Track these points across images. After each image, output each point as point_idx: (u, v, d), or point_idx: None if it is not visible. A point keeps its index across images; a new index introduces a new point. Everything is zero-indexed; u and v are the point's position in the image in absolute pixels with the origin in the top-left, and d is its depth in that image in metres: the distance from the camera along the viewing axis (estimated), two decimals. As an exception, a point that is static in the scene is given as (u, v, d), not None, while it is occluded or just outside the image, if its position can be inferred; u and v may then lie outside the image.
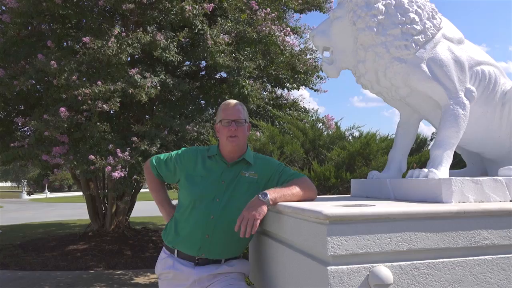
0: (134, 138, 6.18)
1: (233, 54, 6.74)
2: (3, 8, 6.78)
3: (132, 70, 6.15)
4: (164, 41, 6.35)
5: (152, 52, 6.59)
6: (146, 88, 6.11)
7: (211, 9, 6.70)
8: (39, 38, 7.10)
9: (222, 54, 6.46)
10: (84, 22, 7.27)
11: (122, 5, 6.14)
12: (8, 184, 51.03)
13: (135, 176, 6.31)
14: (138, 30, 6.39)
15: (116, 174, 5.88)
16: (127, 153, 5.96)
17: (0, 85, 6.29)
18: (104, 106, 5.93)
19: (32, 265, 7.48)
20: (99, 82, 5.89)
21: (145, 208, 14.21)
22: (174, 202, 2.34)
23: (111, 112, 7.07)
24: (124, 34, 6.26)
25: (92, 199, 9.48)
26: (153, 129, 6.59)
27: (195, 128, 6.45)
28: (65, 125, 6.03)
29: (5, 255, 8.15)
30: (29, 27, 7.17)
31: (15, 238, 10.37)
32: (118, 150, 5.93)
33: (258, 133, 4.44)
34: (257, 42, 6.91)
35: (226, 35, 6.57)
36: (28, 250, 8.72)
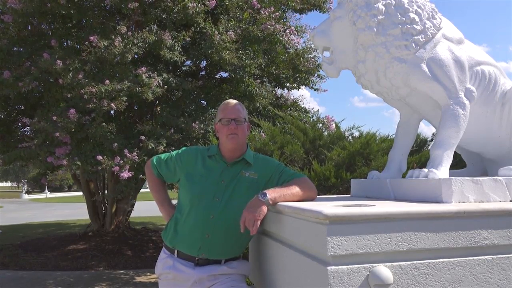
0: (143, 137, 6.19)
1: (239, 51, 6.76)
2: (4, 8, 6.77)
3: (142, 68, 6.18)
4: (170, 40, 6.37)
5: (153, 52, 6.60)
6: (152, 87, 6.14)
7: (213, 5, 6.71)
8: (40, 38, 7.10)
9: (228, 52, 6.47)
10: (85, 21, 7.27)
11: (128, 4, 6.16)
12: (8, 184, 51.03)
13: (141, 176, 6.30)
14: (144, 30, 6.40)
15: (125, 175, 5.87)
16: (135, 153, 5.95)
17: (6, 86, 6.30)
18: (112, 105, 5.95)
19: (32, 265, 7.48)
20: (107, 81, 5.90)
21: (145, 208, 14.21)
22: (174, 202, 2.34)
23: (111, 112, 7.08)
24: (129, 33, 6.27)
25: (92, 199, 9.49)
26: (158, 128, 6.61)
27: (201, 126, 6.47)
28: (73, 126, 6.04)
29: (5, 255, 8.15)
30: (29, 27, 7.17)
31: (15, 238, 10.37)
32: (126, 150, 5.93)
33: (263, 134, 4.41)
34: (261, 41, 6.92)
35: (232, 32, 6.59)
36: (28, 250, 8.72)
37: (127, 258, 7.95)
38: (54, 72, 6.11)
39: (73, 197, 30.02)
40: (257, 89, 6.95)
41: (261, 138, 4.20)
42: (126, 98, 6.15)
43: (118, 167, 5.84)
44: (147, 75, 6.17)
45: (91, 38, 5.94)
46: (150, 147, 6.10)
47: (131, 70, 6.27)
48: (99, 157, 5.89)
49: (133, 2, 6.14)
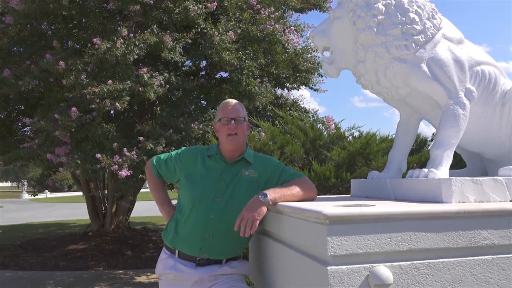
0: (141, 138, 6.21)
1: (239, 52, 6.76)
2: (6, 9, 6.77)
3: (143, 69, 6.20)
4: (170, 42, 6.39)
5: (153, 52, 6.60)
6: (155, 87, 6.15)
7: (214, 7, 6.72)
8: (40, 38, 7.10)
9: (228, 52, 6.48)
10: (85, 22, 7.27)
11: (129, 6, 6.15)
12: (8, 184, 51.01)
13: (140, 175, 6.32)
14: (145, 32, 6.42)
15: (123, 173, 5.89)
16: (134, 152, 5.97)
17: (6, 85, 6.30)
18: (117, 104, 5.96)
19: (32, 265, 7.47)
20: (109, 82, 5.91)
21: (145, 208, 14.20)
22: (174, 202, 2.34)
23: (111, 112, 7.07)
24: (131, 35, 6.28)
25: (92, 199, 9.48)
26: (157, 128, 6.62)
27: (200, 126, 6.48)
28: (74, 125, 6.04)
29: (5, 255, 8.15)
30: (29, 27, 7.17)
31: (15, 238, 10.36)
32: (125, 149, 5.95)
33: (263, 134, 4.41)
34: (261, 41, 6.93)
35: (232, 33, 6.60)
36: (28, 250, 8.72)
37: (127, 258, 7.94)
38: (55, 73, 6.12)
39: (73, 197, 29.98)
40: (257, 88, 6.97)
41: (261, 138, 4.21)
42: (128, 98, 6.16)
43: (117, 166, 5.85)
44: (148, 75, 6.19)
45: (94, 40, 5.95)
46: (149, 148, 6.10)
47: (132, 70, 6.28)
48: (98, 155, 5.90)
49: (134, 6, 6.15)
